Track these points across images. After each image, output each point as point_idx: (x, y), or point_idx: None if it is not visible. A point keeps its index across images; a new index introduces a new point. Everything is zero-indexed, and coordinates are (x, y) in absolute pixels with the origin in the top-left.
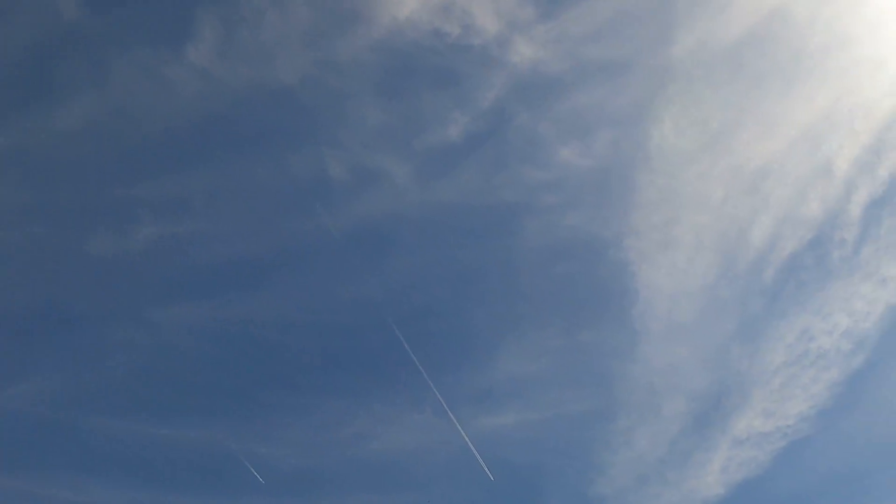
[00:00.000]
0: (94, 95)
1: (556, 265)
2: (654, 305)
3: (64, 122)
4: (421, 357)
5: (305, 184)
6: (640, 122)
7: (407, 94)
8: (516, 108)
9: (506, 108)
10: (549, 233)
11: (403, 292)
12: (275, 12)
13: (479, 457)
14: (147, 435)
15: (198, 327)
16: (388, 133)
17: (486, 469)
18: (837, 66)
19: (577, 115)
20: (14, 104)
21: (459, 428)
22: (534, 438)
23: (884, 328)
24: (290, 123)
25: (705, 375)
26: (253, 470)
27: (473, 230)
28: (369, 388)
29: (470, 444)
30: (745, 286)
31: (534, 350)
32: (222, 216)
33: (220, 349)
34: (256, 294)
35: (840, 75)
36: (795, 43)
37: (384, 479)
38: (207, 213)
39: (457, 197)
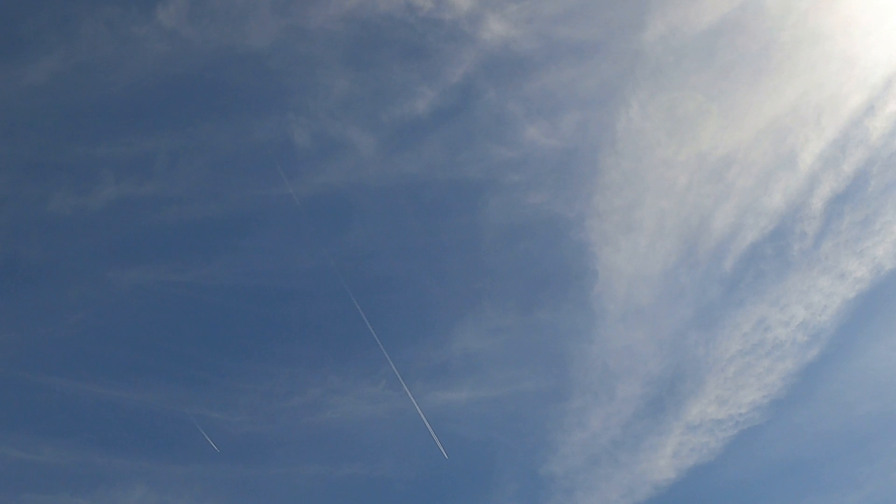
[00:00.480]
0: (61, 52)
1: (517, 243)
2: (613, 288)
3: (28, 77)
4: (377, 329)
5: (269, 149)
6: (608, 104)
7: (376, 66)
8: (485, 85)
9: (474, 85)
10: (511, 211)
11: (362, 263)
12: None
13: (433, 433)
14: (100, 396)
15: (155, 289)
16: (354, 103)
17: (440, 447)
18: (807, 61)
19: (546, 95)
20: None
21: (414, 402)
22: (487, 415)
23: (840, 322)
24: (256, 88)
25: (661, 360)
26: (208, 438)
27: (436, 204)
28: (324, 358)
29: (424, 418)
30: (705, 273)
31: (491, 327)
32: (184, 178)
33: (177, 312)
34: (215, 258)
35: (809, 69)
36: (767, 35)
37: (336, 449)
38: (169, 175)
39: (420, 170)
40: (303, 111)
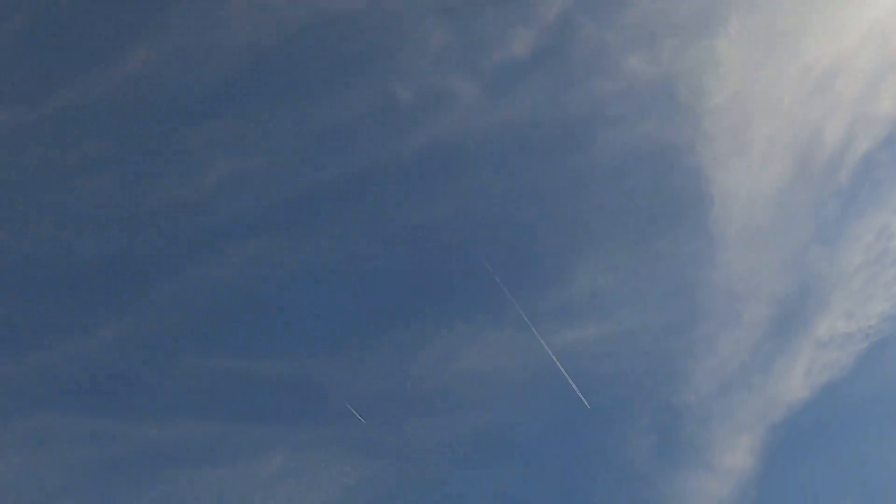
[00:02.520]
0: (153, 40)
1: (630, 175)
2: (730, 211)
3: (125, 69)
4: (499, 273)
5: (372, 110)
6: (707, 27)
7: (469, 13)
8: (581, 19)
9: (570, 21)
10: (620, 143)
11: (477, 210)
12: None
13: (571, 381)
14: (231, 369)
15: (275, 260)
16: (452, 53)
17: (581, 397)
18: None
19: (643, 23)
20: (73, 58)
21: (544, 344)
22: (615, 350)
23: None
24: (352, 51)
25: (785, 279)
26: (353, 410)
27: (545, 145)
28: (449, 308)
29: (557, 361)
30: (821, 187)
31: (612, 262)
32: (292, 148)
33: (297, 280)
34: (330, 224)
35: None
36: None
37: (469, 399)
38: (277, 147)
39: (526, 113)
40: (402, 67)
